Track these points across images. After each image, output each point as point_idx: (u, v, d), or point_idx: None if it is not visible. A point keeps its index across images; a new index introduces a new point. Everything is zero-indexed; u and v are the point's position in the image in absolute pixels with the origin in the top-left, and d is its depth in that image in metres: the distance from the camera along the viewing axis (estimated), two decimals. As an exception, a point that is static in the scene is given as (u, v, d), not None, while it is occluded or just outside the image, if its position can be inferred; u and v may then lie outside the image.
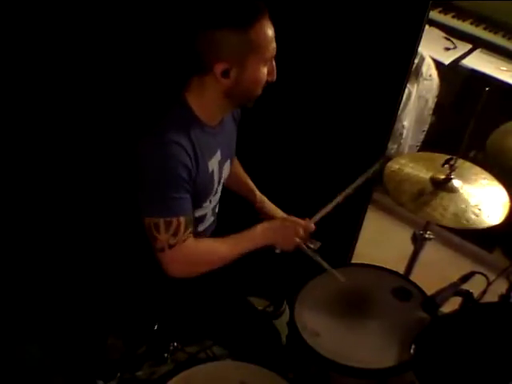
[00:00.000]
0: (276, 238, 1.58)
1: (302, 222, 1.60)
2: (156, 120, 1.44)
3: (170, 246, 1.44)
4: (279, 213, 1.83)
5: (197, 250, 1.51)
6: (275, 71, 1.46)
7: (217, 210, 1.72)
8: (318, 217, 1.64)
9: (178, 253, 1.45)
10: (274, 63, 1.46)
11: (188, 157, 1.42)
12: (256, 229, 1.57)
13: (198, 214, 1.60)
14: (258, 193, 1.84)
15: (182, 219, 1.44)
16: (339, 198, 1.65)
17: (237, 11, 1.36)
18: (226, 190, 1.72)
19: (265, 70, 1.43)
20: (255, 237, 1.56)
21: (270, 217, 1.79)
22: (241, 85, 1.42)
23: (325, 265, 1.61)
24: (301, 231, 1.58)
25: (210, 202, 1.62)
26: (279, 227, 1.59)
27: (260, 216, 1.82)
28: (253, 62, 1.40)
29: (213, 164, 1.54)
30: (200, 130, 1.48)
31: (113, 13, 1.75)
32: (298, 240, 1.57)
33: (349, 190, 1.66)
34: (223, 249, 1.53)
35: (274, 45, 1.42)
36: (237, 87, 1.42)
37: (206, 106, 1.47)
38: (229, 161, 1.65)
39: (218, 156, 1.56)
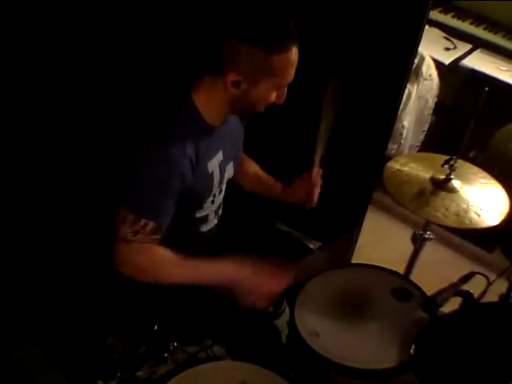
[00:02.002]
0: (243, 285, 1.47)
1: (272, 287, 1.50)
2: (162, 121, 1.44)
3: (126, 240, 1.42)
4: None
5: (151, 257, 1.46)
6: (285, 96, 1.46)
7: (220, 213, 1.71)
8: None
9: (130, 249, 1.43)
10: (285, 89, 1.46)
11: (188, 161, 1.42)
12: (225, 265, 1.48)
13: (200, 214, 1.60)
14: (279, 189, 1.81)
15: (152, 224, 1.42)
16: None
17: (270, 32, 1.35)
18: (228, 193, 1.72)
19: (275, 94, 1.44)
20: (220, 273, 1.48)
21: (297, 199, 1.75)
22: (247, 99, 1.42)
23: None
24: (265, 294, 1.50)
25: (212, 202, 1.61)
26: (254, 280, 1.47)
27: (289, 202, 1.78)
28: (265, 84, 1.40)
29: (213, 165, 1.54)
30: (204, 130, 1.48)
31: (122, 8, 1.75)
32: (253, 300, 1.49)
33: None
34: (178, 272, 1.47)
35: (292, 73, 1.41)
36: (242, 99, 1.42)
37: (211, 106, 1.47)
38: (232, 162, 1.64)
39: (219, 156, 1.56)
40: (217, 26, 1.41)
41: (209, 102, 1.46)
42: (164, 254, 1.48)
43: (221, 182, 1.60)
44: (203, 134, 1.47)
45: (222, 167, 1.58)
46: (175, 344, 1.75)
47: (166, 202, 1.43)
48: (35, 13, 1.65)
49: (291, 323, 1.57)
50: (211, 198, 1.59)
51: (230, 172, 1.64)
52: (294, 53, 1.38)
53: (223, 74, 1.38)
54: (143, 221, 1.41)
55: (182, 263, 1.48)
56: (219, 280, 1.47)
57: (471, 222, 1.70)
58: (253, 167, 1.85)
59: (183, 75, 1.55)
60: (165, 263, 1.48)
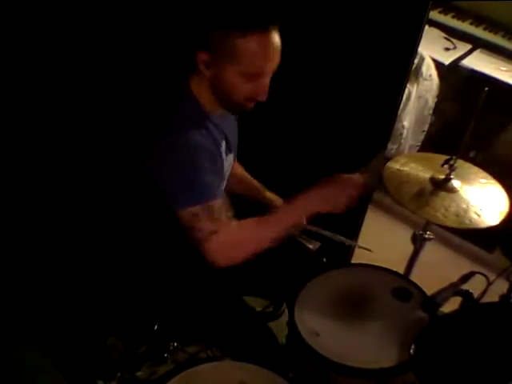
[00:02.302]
0: (324, 203, 1.50)
1: (348, 178, 1.52)
2: (167, 113, 1.44)
3: (214, 232, 1.40)
4: None
5: (241, 232, 1.47)
6: (266, 92, 1.43)
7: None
8: (365, 169, 1.59)
9: (223, 237, 1.41)
10: (266, 83, 1.42)
11: (208, 142, 1.43)
12: (299, 199, 1.50)
13: None
14: (267, 193, 1.82)
15: (219, 201, 1.42)
16: None
17: (237, 13, 1.34)
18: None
19: (247, 85, 1.40)
20: (300, 208, 1.51)
21: None
22: (218, 83, 1.42)
23: (347, 241, 1.64)
24: (350, 189, 1.51)
25: None
26: (325, 192, 1.51)
27: None
28: (231, 70, 1.38)
29: (222, 151, 1.54)
30: (206, 118, 1.48)
31: (116, 6, 1.75)
32: (346, 199, 1.50)
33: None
34: (268, 227, 1.48)
35: (262, 63, 1.38)
36: (215, 84, 1.42)
37: (205, 93, 1.47)
38: (232, 154, 1.64)
39: (223, 145, 1.56)
40: (204, 15, 1.41)
41: (202, 89, 1.46)
42: (248, 223, 1.48)
43: (226, 173, 1.61)
44: (206, 122, 1.48)
45: (226, 157, 1.58)
46: (175, 344, 1.75)
47: (214, 176, 1.43)
48: (33, 13, 1.65)
49: (291, 323, 1.57)
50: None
51: (230, 164, 1.64)
52: (262, 42, 1.35)
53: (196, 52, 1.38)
54: (211, 203, 1.40)
55: (264, 223, 1.49)
56: (307, 213, 1.51)
57: (471, 221, 1.69)
58: (239, 168, 1.84)
59: (181, 67, 1.55)
60: (256, 231, 1.49)
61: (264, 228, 1.49)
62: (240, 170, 1.84)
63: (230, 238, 1.44)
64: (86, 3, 1.71)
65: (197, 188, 1.40)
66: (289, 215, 1.51)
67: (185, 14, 1.46)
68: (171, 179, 1.40)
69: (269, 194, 1.83)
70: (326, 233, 1.63)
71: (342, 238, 1.67)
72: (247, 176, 1.85)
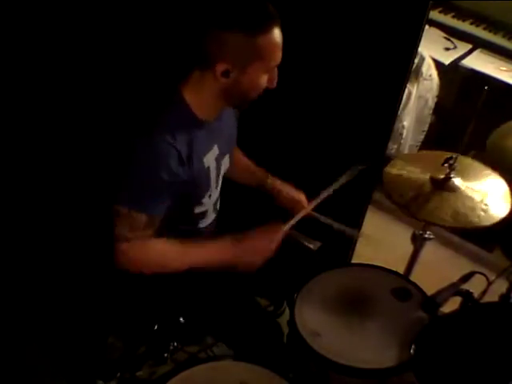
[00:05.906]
0: (242, 257, 1.53)
1: (271, 237, 1.56)
2: (152, 117, 1.44)
3: (126, 239, 1.44)
4: (295, 193, 1.79)
5: (151, 252, 1.50)
6: (276, 79, 1.46)
7: (218, 207, 1.71)
8: (289, 225, 1.62)
9: (132, 248, 1.45)
10: (276, 71, 1.45)
11: (178, 157, 1.42)
12: (224, 242, 1.54)
13: (199, 210, 1.60)
14: (269, 179, 1.81)
15: (145, 217, 1.43)
16: (314, 204, 1.68)
17: (249, 15, 1.35)
18: (225, 187, 1.72)
19: (265, 77, 1.43)
20: (220, 251, 1.53)
21: (288, 201, 1.77)
22: (238, 87, 1.42)
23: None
24: (272, 246, 1.55)
25: (210, 197, 1.61)
26: (249, 247, 1.54)
27: (277, 203, 1.79)
28: (255, 68, 1.40)
29: (209, 159, 1.54)
30: (196, 126, 1.47)
31: (111, 6, 1.75)
32: (264, 257, 1.55)
33: (323, 196, 1.68)
34: (179, 257, 1.51)
35: (279, 54, 1.41)
36: (234, 88, 1.42)
37: (203, 101, 1.46)
38: (228, 155, 1.64)
39: (215, 151, 1.56)
40: (199, 19, 1.41)
41: (199, 97, 1.46)
42: (161, 246, 1.51)
43: (218, 177, 1.60)
44: (195, 130, 1.47)
45: (219, 161, 1.58)
46: (175, 344, 1.75)
47: (156, 194, 1.44)
48: (28, 12, 1.65)
49: (291, 323, 1.57)
50: (209, 193, 1.59)
51: (225, 166, 1.64)
52: (277, 33, 1.38)
53: (212, 65, 1.38)
54: (135, 214, 1.42)
55: (183, 252, 1.52)
56: (224, 259, 1.52)
57: (481, 218, 1.69)
58: (241, 157, 1.84)
59: (171, 72, 1.55)
60: (165, 257, 1.52)
61: (176, 258, 1.52)
62: (243, 160, 1.83)
63: (138, 254, 1.48)
64: (83, 3, 1.71)
65: (137, 195, 1.42)
66: (209, 254, 1.53)
67: (192, 24, 1.46)
68: (123, 174, 1.43)
69: (271, 181, 1.81)
70: (328, 220, 1.66)
71: (343, 227, 1.69)
72: (250, 166, 1.84)
